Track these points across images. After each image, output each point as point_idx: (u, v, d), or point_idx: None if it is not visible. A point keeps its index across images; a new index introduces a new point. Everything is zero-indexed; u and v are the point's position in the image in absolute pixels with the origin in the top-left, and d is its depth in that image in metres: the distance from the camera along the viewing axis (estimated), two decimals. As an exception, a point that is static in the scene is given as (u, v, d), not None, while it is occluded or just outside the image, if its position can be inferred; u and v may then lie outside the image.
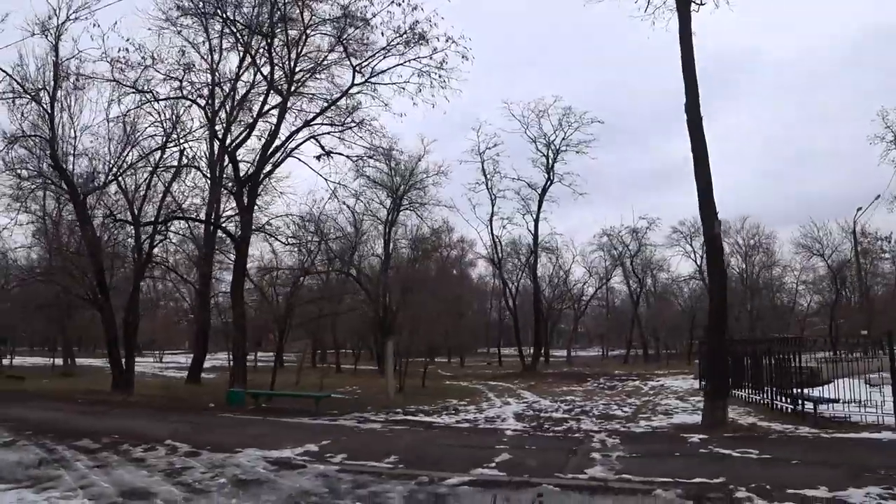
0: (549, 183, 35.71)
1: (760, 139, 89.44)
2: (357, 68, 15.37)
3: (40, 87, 15.46)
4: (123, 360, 17.32)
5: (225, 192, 17.14)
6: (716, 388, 11.93)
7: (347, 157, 16.80)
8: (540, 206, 35.73)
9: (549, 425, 12.04)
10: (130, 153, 16.67)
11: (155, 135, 17.09)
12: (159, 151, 17.58)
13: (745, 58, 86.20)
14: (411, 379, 23.98)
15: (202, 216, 20.11)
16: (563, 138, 35.23)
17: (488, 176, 36.19)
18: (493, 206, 37.08)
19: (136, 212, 17.60)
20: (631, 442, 9.60)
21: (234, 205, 18.29)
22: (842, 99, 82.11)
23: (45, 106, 15.79)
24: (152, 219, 18.17)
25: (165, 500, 6.11)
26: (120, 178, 17.05)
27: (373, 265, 33.11)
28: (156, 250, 20.77)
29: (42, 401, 14.84)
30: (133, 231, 17.72)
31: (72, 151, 16.62)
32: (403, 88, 15.74)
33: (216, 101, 16.40)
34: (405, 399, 18.06)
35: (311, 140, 16.32)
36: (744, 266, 44.32)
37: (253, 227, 15.47)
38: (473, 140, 37.97)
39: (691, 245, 42.50)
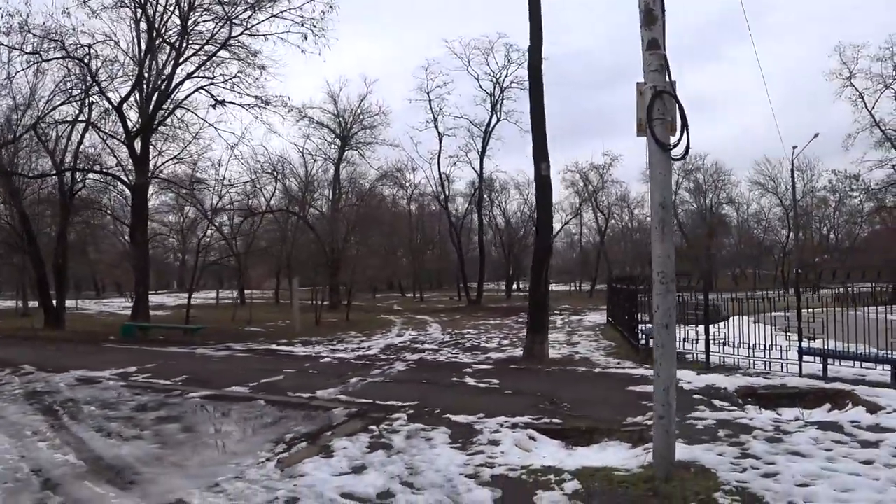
0: (494, 121, 36.67)
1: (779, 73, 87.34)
2: (234, 20, 16.67)
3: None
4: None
5: (118, 142, 18.91)
6: (533, 323, 13.46)
7: (241, 105, 18.34)
8: (486, 144, 36.94)
9: (387, 356, 13.96)
10: (41, 108, 18.40)
11: (68, 90, 18.62)
12: (78, 105, 19.19)
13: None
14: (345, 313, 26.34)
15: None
16: (508, 76, 35.90)
17: (435, 114, 37.30)
18: (440, 144, 38.43)
19: (56, 162, 19.59)
20: (416, 370, 11.25)
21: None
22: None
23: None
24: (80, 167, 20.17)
25: (-44, 404, 8.29)
26: (39, 131, 18.90)
27: (322, 206, 35.04)
28: (94, 195, 23.04)
29: (-39, 336, 17.51)
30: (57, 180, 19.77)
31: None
32: (282, 39, 17.04)
33: (98, 58, 17.68)
34: (311, 332, 20.33)
35: (201, 91, 17.89)
36: (705, 204, 45.04)
37: (149, 175, 17.26)
38: (422, 79, 39.06)
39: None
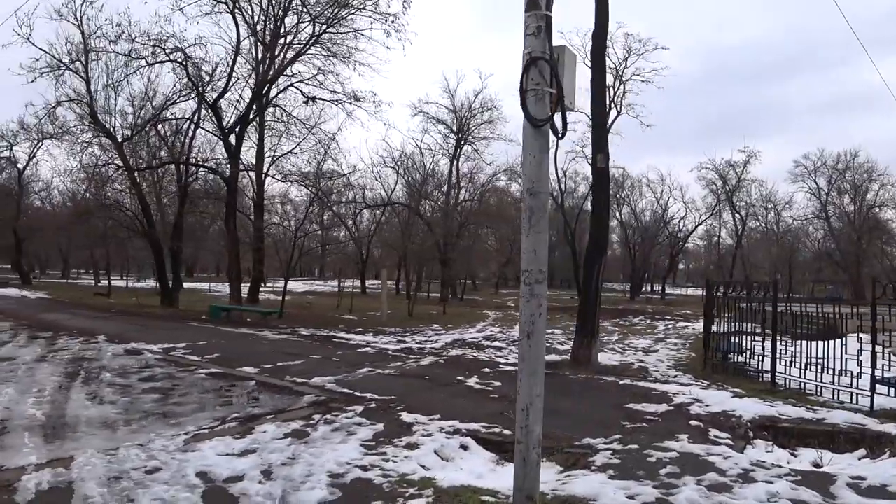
0: (614, 115, 34.62)
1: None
2: (315, 19, 17.74)
3: (74, 58, 20.26)
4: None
5: (216, 137, 20.90)
6: (582, 326, 12.68)
7: (328, 101, 19.49)
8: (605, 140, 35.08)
9: (435, 350, 14.01)
10: (156, 106, 21.06)
11: (182, 90, 20.99)
12: (192, 104, 21.63)
13: None
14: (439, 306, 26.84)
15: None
16: (627, 67, 33.82)
17: (552, 108, 36.20)
18: (557, 140, 37.02)
19: (176, 154, 22.30)
20: (438, 367, 11.10)
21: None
22: None
23: (81, 74, 20.66)
24: (200, 161, 22.82)
25: (23, 361, 9.93)
26: (158, 127, 21.68)
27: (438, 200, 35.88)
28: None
29: (86, 310, 20.70)
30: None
31: (112, 109, 21.67)
32: (363, 34, 17.84)
33: (192, 60, 19.50)
34: (397, 322, 20.97)
35: (292, 87, 19.31)
36: (852, 207, 38.91)
37: (241, 167, 19.03)
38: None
39: (815, 181, 38.35)
